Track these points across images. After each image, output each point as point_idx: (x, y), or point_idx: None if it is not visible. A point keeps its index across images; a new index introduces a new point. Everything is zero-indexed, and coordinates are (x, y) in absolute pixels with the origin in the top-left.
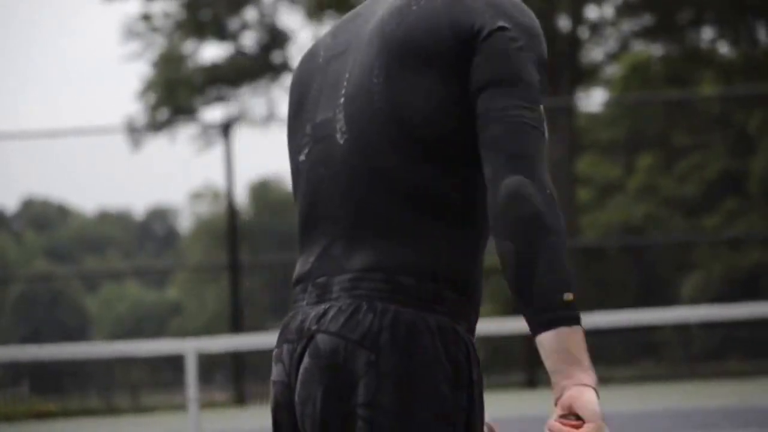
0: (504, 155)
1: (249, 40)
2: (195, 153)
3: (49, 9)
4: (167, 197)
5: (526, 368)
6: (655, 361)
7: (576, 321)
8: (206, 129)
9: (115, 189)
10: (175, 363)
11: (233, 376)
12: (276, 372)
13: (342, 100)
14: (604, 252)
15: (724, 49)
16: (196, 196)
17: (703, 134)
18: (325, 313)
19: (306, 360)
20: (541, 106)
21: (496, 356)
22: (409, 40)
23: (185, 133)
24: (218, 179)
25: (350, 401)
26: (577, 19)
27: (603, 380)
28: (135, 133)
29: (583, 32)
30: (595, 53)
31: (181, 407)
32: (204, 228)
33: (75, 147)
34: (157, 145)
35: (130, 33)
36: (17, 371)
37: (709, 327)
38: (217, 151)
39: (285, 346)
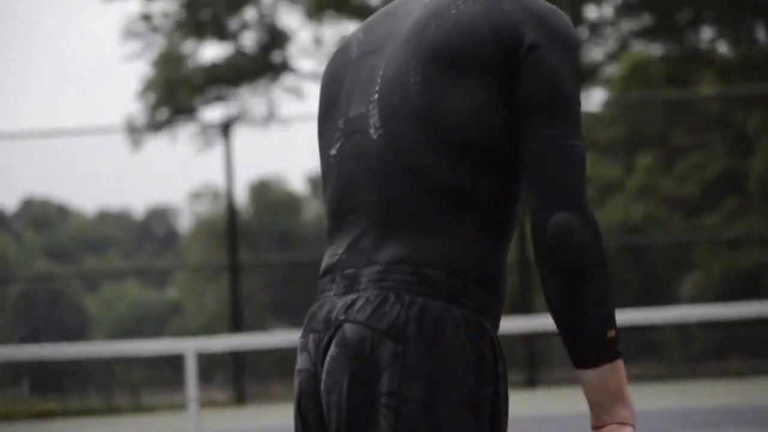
0: (553, 189)
1: (249, 40)
2: (195, 153)
3: (49, 9)
4: (167, 197)
5: (526, 368)
6: (655, 360)
7: (618, 355)
8: (206, 129)
9: (114, 189)
10: (175, 363)
11: (233, 376)
12: (301, 361)
13: (376, 96)
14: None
15: (723, 48)
16: (196, 196)
17: (703, 134)
18: (352, 303)
19: (333, 349)
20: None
21: None
22: (449, 45)
23: (185, 132)
24: (218, 179)
25: (375, 391)
26: (577, 18)
27: None
28: (135, 132)
29: (583, 32)
30: (594, 53)
31: (181, 407)
32: (204, 228)
33: (75, 147)
34: (157, 144)
35: (129, 33)
36: (17, 371)
37: (708, 326)
38: (217, 151)
39: (311, 336)
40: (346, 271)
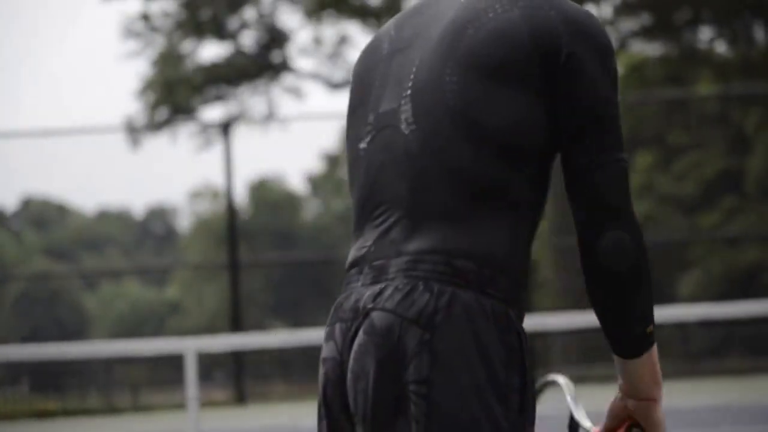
0: (603, 207)
1: (248, 40)
2: (194, 152)
3: (49, 10)
4: (167, 196)
5: None
6: None
7: (653, 344)
8: (206, 128)
9: (114, 188)
10: (175, 362)
11: (233, 375)
12: (327, 349)
13: (408, 92)
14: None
15: (721, 48)
16: (196, 196)
17: (701, 133)
18: (381, 292)
19: (361, 336)
20: None
21: None
22: (487, 50)
23: (185, 132)
24: (218, 178)
25: (403, 378)
26: None
27: (602, 378)
28: (134, 132)
29: None
30: None
31: (181, 406)
32: (203, 227)
33: (75, 146)
34: (157, 144)
35: (129, 32)
36: (17, 370)
37: (707, 325)
38: (217, 151)
39: (338, 325)
40: (375, 263)
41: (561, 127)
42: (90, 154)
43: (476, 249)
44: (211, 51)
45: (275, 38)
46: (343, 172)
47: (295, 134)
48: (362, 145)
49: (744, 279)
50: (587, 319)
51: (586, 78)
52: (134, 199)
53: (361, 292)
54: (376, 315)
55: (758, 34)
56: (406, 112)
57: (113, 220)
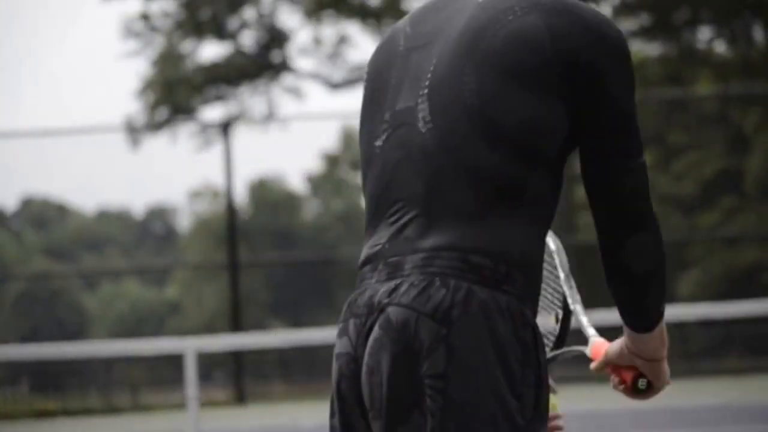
0: (626, 212)
1: (248, 40)
2: (194, 152)
3: (49, 9)
4: (166, 196)
5: None
6: None
7: (663, 316)
8: (205, 128)
9: (114, 188)
10: (175, 362)
11: (232, 375)
12: (341, 345)
13: (426, 90)
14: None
15: (720, 48)
16: (196, 195)
17: (700, 133)
18: (396, 287)
19: (376, 331)
20: None
21: None
22: (507, 52)
23: (184, 132)
24: (217, 178)
25: (419, 372)
26: None
27: (600, 378)
28: (134, 132)
29: None
30: None
31: (181, 406)
32: (203, 227)
33: (74, 146)
34: (157, 144)
35: (129, 32)
36: (17, 370)
37: (706, 325)
38: (217, 150)
39: (352, 321)
40: (390, 260)
41: (581, 132)
42: (90, 154)
43: (492, 246)
44: (211, 51)
45: (275, 38)
46: (343, 172)
47: (294, 134)
48: (378, 143)
49: (743, 279)
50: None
51: (606, 84)
52: (134, 199)
53: (375, 288)
54: (391, 310)
55: (757, 34)
56: (423, 110)
57: (113, 220)
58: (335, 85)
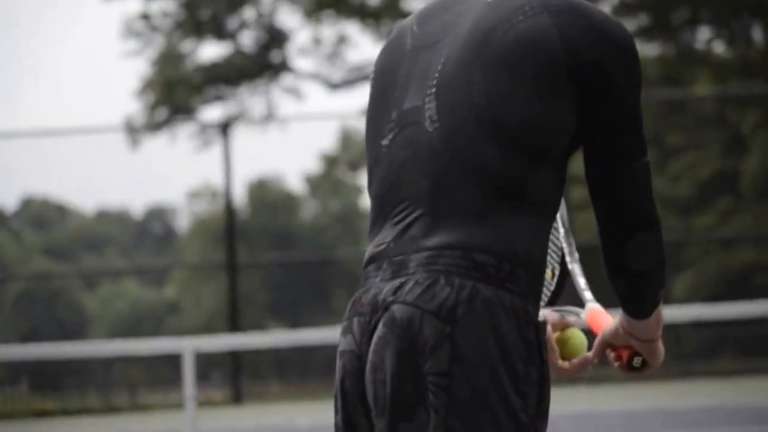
0: (629, 211)
1: (248, 40)
2: (193, 152)
3: (49, 9)
4: (166, 196)
5: None
6: None
7: (660, 303)
8: (205, 128)
9: (113, 188)
10: (173, 362)
11: (230, 375)
12: (345, 343)
13: (433, 90)
14: (598, 251)
15: (719, 48)
16: (195, 196)
17: (698, 134)
18: (401, 286)
19: (380, 329)
20: None
21: None
22: (516, 52)
23: (184, 132)
24: (216, 178)
25: (423, 370)
26: None
27: (595, 380)
28: (134, 132)
29: None
30: None
31: (179, 406)
32: (202, 227)
33: (74, 146)
34: (156, 144)
35: (129, 32)
36: (16, 370)
37: (701, 326)
38: (216, 151)
39: (356, 319)
40: (395, 258)
41: (587, 132)
42: (90, 154)
43: (496, 245)
44: (210, 51)
45: (274, 38)
46: (342, 173)
47: (294, 134)
48: (384, 142)
49: (739, 280)
50: None
51: (614, 85)
52: (133, 199)
53: (380, 286)
54: (396, 308)
55: (756, 34)
56: (430, 109)
57: (113, 220)
58: (334, 86)
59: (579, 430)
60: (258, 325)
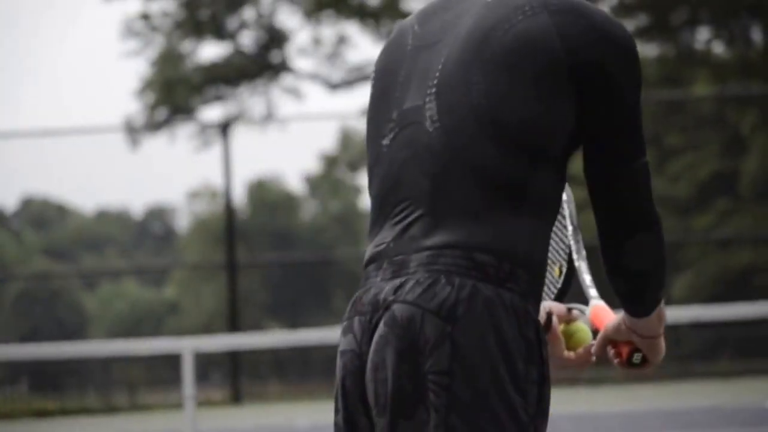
0: (629, 212)
1: (247, 40)
2: (193, 152)
3: (49, 9)
4: (165, 196)
5: None
6: None
7: (661, 301)
8: (205, 128)
9: (113, 188)
10: (173, 362)
11: (230, 375)
12: (345, 342)
13: (434, 90)
14: (597, 251)
15: (718, 49)
16: (194, 196)
17: (697, 134)
18: (402, 285)
19: (381, 328)
20: None
21: None
22: (516, 52)
23: (184, 132)
24: (216, 179)
25: (423, 368)
26: None
27: (593, 381)
28: (134, 132)
29: None
30: None
31: (178, 405)
32: (202, 227)
33: (74, 146)
34: (156, 144)
35: (129, 32)
36: (16, 370)
37: (700, 327)
38: (216, 151)
39: (356, 318)
40: (395, 258)
41: (587, 133)
42: (89, 154)
43: (496, 244)
44: (210, 51)
45: (274, 38)
46: (341, 173)
47: (293, 135)
48: (385, 142)
49: (738, 281)
50: None
51: (613, 86)
52: (133, 199)
53: (380, 286)
54: (397, 307)
55: (756, 35)
56: (431, 109)
57: (112, 220)
58: (334, 86)
59: (578, 430)
60: (257, 325)
